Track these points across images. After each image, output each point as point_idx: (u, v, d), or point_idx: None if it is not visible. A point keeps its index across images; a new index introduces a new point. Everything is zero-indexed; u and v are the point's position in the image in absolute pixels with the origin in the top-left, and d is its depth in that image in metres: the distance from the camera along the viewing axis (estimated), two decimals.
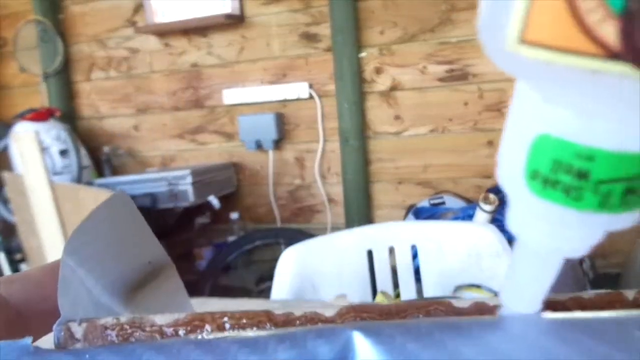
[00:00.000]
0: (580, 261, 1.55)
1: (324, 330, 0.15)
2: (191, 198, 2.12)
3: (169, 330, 0.17)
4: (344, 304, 0.17)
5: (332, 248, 1.06)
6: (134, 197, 2.08)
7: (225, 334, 0.16)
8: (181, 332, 0.17)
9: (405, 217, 2.06)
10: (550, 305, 0.17)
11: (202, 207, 2.38)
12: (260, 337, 0.15)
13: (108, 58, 2.60)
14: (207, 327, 0.17)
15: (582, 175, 0.13)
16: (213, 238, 2.53)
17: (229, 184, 2.43)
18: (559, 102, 0.12)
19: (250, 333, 0.16)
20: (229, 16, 2.28)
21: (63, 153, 2.32)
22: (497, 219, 1.56)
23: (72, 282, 0.19)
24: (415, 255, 1.07)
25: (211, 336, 0.16)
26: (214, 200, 2.21)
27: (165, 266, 0.24)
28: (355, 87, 2.18)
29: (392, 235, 1.08)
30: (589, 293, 0.18)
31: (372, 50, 2.19)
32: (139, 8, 2.50)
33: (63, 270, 0.19)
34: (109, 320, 0.17)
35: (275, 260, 1.04)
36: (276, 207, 2.44)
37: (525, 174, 0.14)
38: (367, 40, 2.18)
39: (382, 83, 2.20)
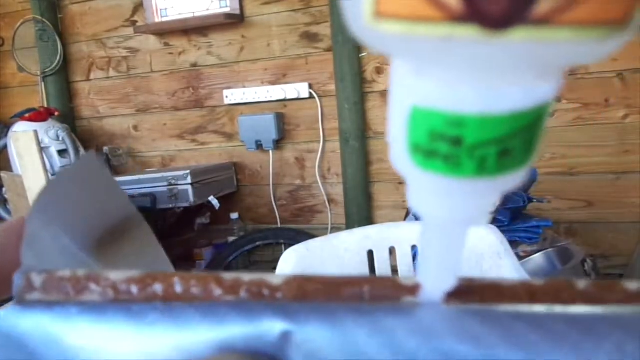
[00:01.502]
0: (582, 262, 1.55)
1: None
2: (191, 198, 2.11)
3: (122, 287, 0.17)
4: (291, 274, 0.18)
5: (333, 249, 1.05)
6: (133, 197, 2.08)
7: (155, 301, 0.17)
8: (133, 289, 0.17)
9: (405, 217, 2.05)
10: (493, 291, 0.17)
11: (202, 208, 2.37)
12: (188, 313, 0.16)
13: (107, 58, 2.60)
14: (157, 285, 0.17)
15: (456, 141, 0.13)
16: (213, 239, 2.52)
17: (229, 184, 2.42)
18: (423, 73, 0.12)
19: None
20: (228, 16, 2.28)
21: (62, 153, 2.32)
22: (498, 220, 1.55)
23: (40, 238, 0.20)
24: (415, 256, 1.07)
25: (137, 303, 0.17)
26: (214, 201, 2.20)
27: (135, 220, 0.25)
28: (355, 87, 2.17)
29: (392, 235, 1.07)
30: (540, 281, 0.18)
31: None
32: (138, 8, 2.49)
33: (30, 226, 0.19)
34: (66, 272, 0.18)
35: (275, 261, 1.03)
36: (276, 208, 2.43)
37: (408, 148, 0.14)
38: None
39: (382, 83, 2.19)
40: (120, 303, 0.17)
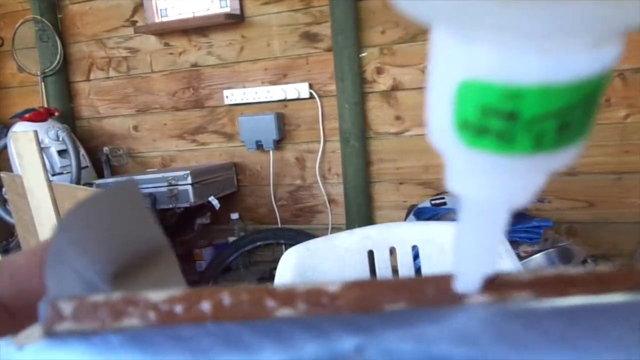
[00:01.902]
0: (583, 262, 1.54)
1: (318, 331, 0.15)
2: (191, 198, 2.11)
3: (165, 307, 0.16)
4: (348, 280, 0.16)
5: (333, 249, 1.05)
6: None
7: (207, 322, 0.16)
8: (178, 308, 0.16)
9: (406, 217, 2.05)
10: (561, 281, 0.16)
11: (203, 208, 2.37)
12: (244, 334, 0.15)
13: (107, 58, 2.60)
14: (205, 303, 0.16)
15: (512, 116, 0.12)
16: (213, 239, 2.52)
17: (230, 185, 2.42)
18: (473, 43, 0.11)
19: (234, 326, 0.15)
20: (229, 16, 2.27)
21: (62, 153, 2.31)
22: None
23: (60, 261, 0.18)
24: (416, 256, 1.06)
25: (188, 330, 0.15)
26: (214, 201, 2.20)
27: (164, 254, 0.23)
28: (356, 87, 2.17)
29: (393, 235, 1.07)
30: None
31: (372, 50, 2.18)
32: (138, 7, 2.49)
33: (52, 248, 0.18)
34: (99, 297, 0.16)
35: (275, 261, 1.03)
36: (277, 208, 2.43)
37: (454, 126, 0.13)
38: (368, 40, 2.17)
39: (383, 83, 2.19)
40: (167, 328, 0.15)
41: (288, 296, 0.16)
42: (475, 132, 0.12)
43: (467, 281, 0.16)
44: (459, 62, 0.12)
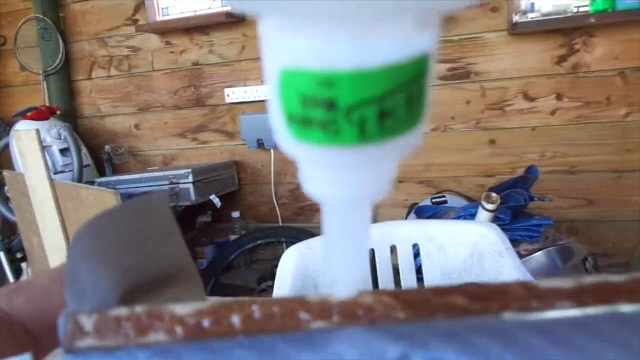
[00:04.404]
0: (584, 260, 1.55)
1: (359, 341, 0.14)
2: (192, 197, 2.12)
3: (192, 321, 0.15)
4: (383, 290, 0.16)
5: None
6: (134, 196, 2.08)
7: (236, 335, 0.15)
8: (205, 322, 0.15)
9: (407, 216, 2.05)
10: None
11: (204, 206, 2.37)
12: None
13: (109, 56, 2.60)
14: (234, 316, 0.15)
15: (330, 105, 0.11)
16: (214, 237, 2.53)
17: (231, 183, 2.42)
18: (296, 30, 0.11)
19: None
20: (230, 14, 2.28)
21: (64, 152, 2.32)
22: (499, 218, 1.55)
23: (78, 273, 0.17)
24: (417, 254, 1.07)
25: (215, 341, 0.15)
26: (215, 199, 2.20)
27: (187, 273, 0.21)
28: None
29: (393, 234, 1.08)
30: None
31: None
32: (139, 6, 2.49)
33: (70, 259, 0.17)
34: (122, 311, 0.15)
35: (276, 259, 1.03)
36: (277, 206, 2.44)
37: (284, 119, 0.12)
38: None
39: None
40: (195, 342, 0.14)
41: (322, 308, 0.15)
42: (301, 124, 0.12)
43: (345, 286, 0.15)
44: (280, 50, 0.11)
